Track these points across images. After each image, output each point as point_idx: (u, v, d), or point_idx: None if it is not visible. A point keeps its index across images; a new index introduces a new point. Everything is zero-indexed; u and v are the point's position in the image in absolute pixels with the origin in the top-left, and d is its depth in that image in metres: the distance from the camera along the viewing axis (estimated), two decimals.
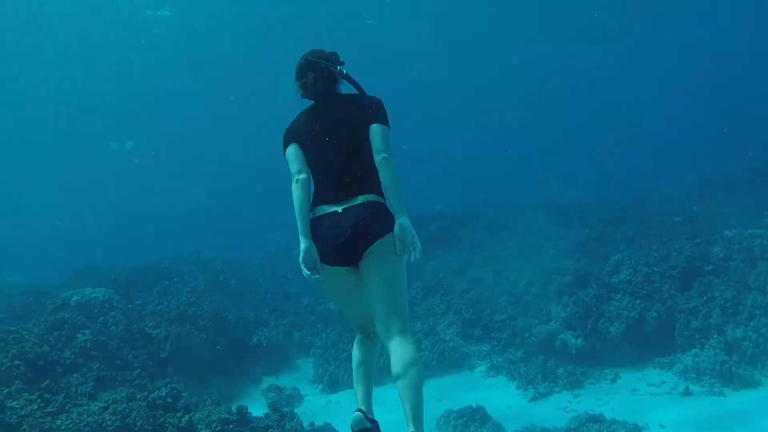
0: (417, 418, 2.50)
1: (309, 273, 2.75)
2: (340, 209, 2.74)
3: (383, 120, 2.82)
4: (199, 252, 12.90)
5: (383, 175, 2.71)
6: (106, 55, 21.32)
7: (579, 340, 7.80)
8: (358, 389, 2.94)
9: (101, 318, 8.21)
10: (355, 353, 2.99)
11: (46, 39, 18.78)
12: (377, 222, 2.72)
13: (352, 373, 3.03)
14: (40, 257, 24.91)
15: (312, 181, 2.86)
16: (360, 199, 2.74)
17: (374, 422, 2.74)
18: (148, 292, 10.49)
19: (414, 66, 26.84)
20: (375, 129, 2.78)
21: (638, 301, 7.91)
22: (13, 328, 6.82)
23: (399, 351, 2.66)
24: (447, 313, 9.53)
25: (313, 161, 2.85)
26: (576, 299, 8.27)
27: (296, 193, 2.78)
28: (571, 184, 14.06)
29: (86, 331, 7.38)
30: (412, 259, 2.67)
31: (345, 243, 2.71)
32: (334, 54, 2.98)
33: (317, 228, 2.80)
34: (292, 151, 2.86)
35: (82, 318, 7.91)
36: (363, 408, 2.89)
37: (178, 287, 10.81)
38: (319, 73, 2.87)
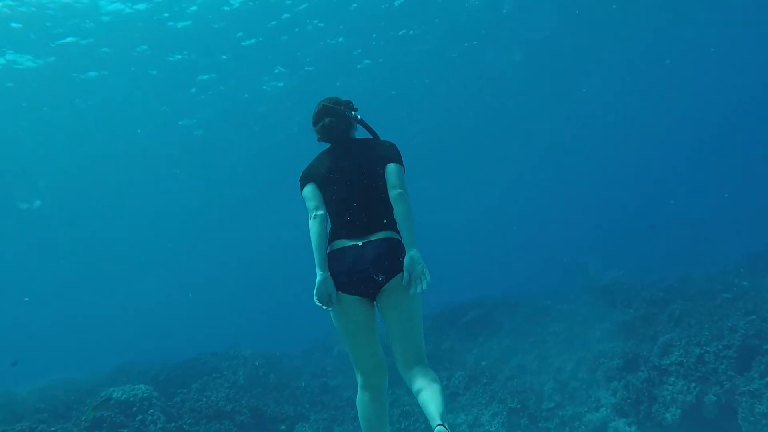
0: (444, 414, 2.57)
1: (321, 304, 2.82)
2: (360, 243, 2.84)
3: (398, 160, 2.98)
4: (239, 346, 12.92)
5: (397, 209, 2.83)
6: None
7: (633, 428, 7.35)
8: None
9: (140, 416, 8.18)
10: (375, 415, 2.90)
11: None
12: (396, 257, 2.82)
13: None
14: (77, 351, 25.34)
15: (329, 219, 2.98)
16: (379, 235, 2.85)
17: None
18: (187, 388, 10.45)
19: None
20: (390, 168, 2.93)
21: (693, 384, 7.48)
22: (53, 429, 6.85)
23: (420, 374, 2.79)
24: (491, 402, 9.16)
25: (330, 200, 2.97)
26: (626, 383, 7.89)
27: (314, 227, 2.88)
28: (610, 264, 13.74)
29: (124, 430, 7.36)
30: (419, 290, 2.76)
31: (365, 272, 2.80)
32: (349, 101, 3.19)
33: (337, 258, 2.88)
34: (310, 190, 3.00)
35: (121, 416, 7.91)
36: None
37: (217, 382, 10.74)
38: (334, 118, 3.07)
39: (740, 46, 20.62)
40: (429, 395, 2.66)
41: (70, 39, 14.30)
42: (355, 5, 15.24)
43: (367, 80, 18.72)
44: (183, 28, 14.78)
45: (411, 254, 2.77)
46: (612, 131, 29.01)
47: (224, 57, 16.56)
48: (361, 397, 2.99)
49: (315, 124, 3.14)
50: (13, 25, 13.36)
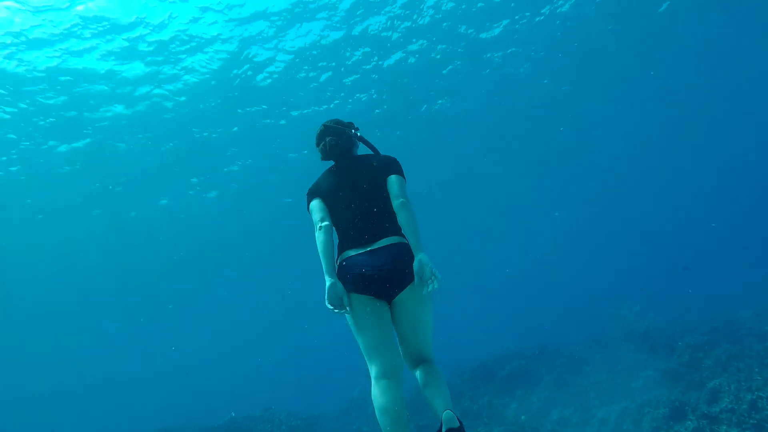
0: (450, 404, 2.78)
1: (332, 307, 2.91)
2: (369, 249, 2.99)
3: (398, 172, 3.15)
4: (273, 408, 12.81)
5: (401, 217, 2.96)
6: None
7: None
8: None
9: None
10: (393, 405, 2.83)
11: None
12: (405, 260, 2.95)
13: (383, 427, 2.83)
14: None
15: (334, 230, 3.12)
16: (385, 242, 2.99)
17: None
18: None
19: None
20: (392, 179, 3.10)
21: None
22: None
23: (426, 369, 2.98)
24: None
25: (336, 214, 3.12)
26: None
27: (320, 237, 3.02)
28: (647, 308, 13.37)
29: None
30: (430, 289, 2.86)
31: (377, 275, 2.92)
32: (351, 123, 3.39)
33: (347, 267, 3.01)
34: (316, 204, 3.17)
35: None
36: None
37: None
38: (335, 136, 3.26)
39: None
40: (435, 389, 2.83)
41: (105, 123, 15.08)
42: (375, 76, 15.80)
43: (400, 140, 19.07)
44: (213, 106, 15.50)
45: (419, 258, 2.85)
46: (641, 174, 28.78)
47: (245, 129, 17.10)
48: (376, 388, 2.91)
49: (317, 144, 3.32)
50: (51, 119, 14.25)
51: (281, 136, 17.65)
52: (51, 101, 13.70)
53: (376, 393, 2.88)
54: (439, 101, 18.04)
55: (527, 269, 36.82)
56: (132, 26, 12.16)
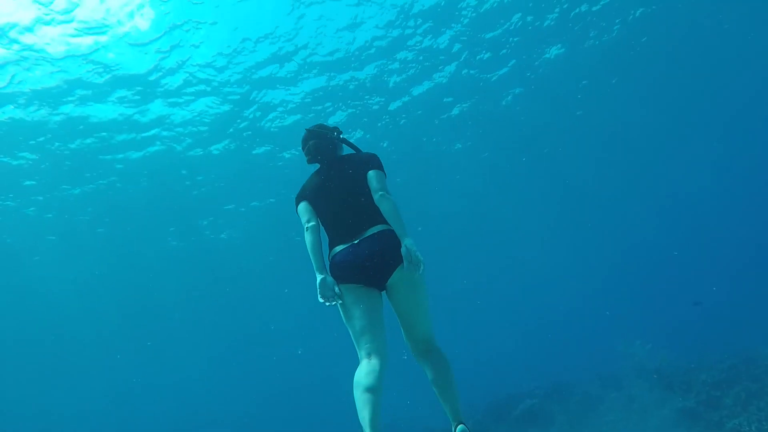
0: (460, 410, 2.88)
1: (323, 300, 2.98)
2: (356, 241, 3.08)
3: (378, 167, 3.25)
4: None
5: (383, 209, 3.06)
6: None
7: None
8: (365, 413, 2.72)
9: None
10: (365, 378, 2.83)
11: None
12: (392, 245, 3.03)
13: (355, 399, 2.80)
14: None
15: (321, 228, 3.24)
16: (370, 231, 3.09)
17: None
18: None
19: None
20: (372, 174, 3.20)
21: None
22: None
23: (431, 361, 3.05)
24: None
25: (323, 213, 3.23)
26: None
27: (308, 237, 3.17)
28: (659, 345, 13.12)
29: None
30: (417, 273, 2.94)
31: (366, 263, 3.01)
32: (336, 127, 3.52)
33: (336, 259, 3.10)
34: (302, 206, 3.30)
35: None
36: None
37: None
38: (319, 139, 3.39)
39: None
40: (445, 390, 2.93)
41: (119, 166, 15.37)
42: (385, 117, 16.06)
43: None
44: (222, 147, 15.79)
45: (405, 243, 2.93)
46: (651, 209, 28.68)
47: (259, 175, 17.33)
48: (360, 366, 2.91)
49: (302, 148, 3.44)
50: (67, 163, 14.59)
51: (289, 177, 17.88)
52: (66, 146, 14.02)
53: (359, 369, 2.90)
54: (445, 141, 18.25)
55: (536, 306, 36.42)
56: (146, 72, 12.50)
